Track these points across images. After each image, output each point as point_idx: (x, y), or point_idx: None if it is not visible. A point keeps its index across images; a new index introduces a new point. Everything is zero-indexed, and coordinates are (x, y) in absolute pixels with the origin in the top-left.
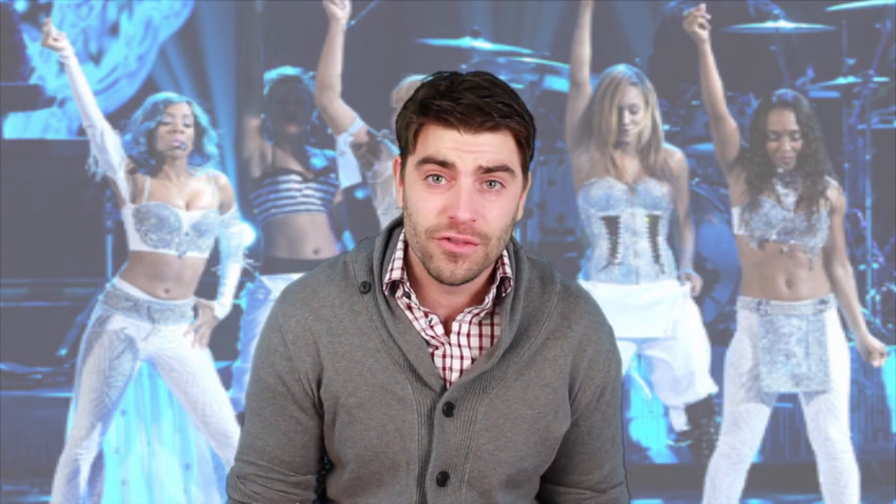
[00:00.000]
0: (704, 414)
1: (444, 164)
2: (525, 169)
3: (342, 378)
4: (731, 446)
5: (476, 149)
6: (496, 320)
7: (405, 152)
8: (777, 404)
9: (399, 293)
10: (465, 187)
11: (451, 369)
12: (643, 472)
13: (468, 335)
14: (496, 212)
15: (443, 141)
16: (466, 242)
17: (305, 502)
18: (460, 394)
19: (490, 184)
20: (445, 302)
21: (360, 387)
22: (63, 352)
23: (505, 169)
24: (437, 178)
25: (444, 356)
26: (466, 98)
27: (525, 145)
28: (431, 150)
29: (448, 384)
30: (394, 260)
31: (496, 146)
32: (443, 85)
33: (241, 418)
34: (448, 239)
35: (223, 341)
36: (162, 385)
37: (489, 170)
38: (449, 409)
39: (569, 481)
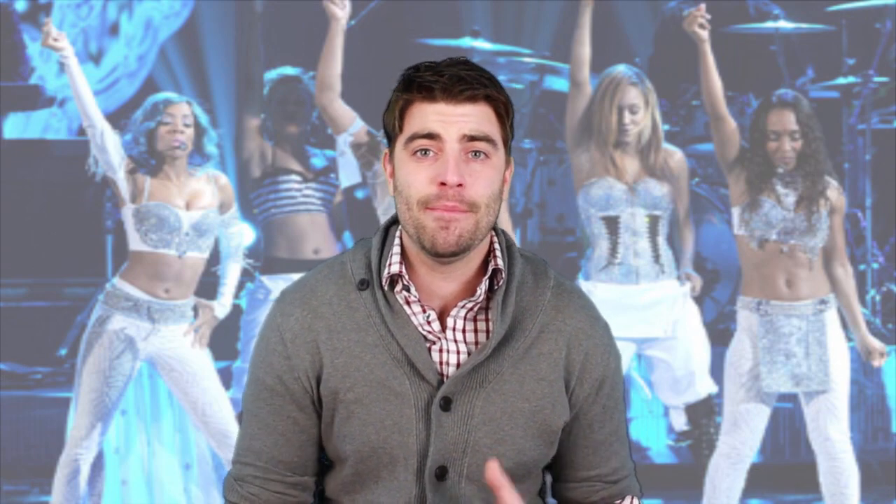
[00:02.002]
0: (704, 414)
1: (430, 136)
2: (506, 145)
3: (341, 374)
4: (731, 446)
5: (459, 118)
6: (490, 315)
7: (393, 138)
8: (777, 404)
9: (398, 288)
10: (451, 154)
11: (447, 364)
12: (643, 472)
13: (463, 330)
14: (482, 180)
15: (427, 115)
16: (456, 209)
17: None
18: (457, 388)
19: (475, 154)
20: (440, 292)
21: (358, 382)
22: (63, 352)
23: (488, 139)
24: (426, 152)
25: (440, 351)
26: (448, 71)
27: (505, 119)
28: (417, 126)
29: (445, 379)
30: (392, 255)
31: (478, 116)
32: (424, 64)
33: (240, 418)
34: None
35: (223, 341)
36: (162, 385)
37: (473, 138)
38: (446, 404)
39: (576, 476)
